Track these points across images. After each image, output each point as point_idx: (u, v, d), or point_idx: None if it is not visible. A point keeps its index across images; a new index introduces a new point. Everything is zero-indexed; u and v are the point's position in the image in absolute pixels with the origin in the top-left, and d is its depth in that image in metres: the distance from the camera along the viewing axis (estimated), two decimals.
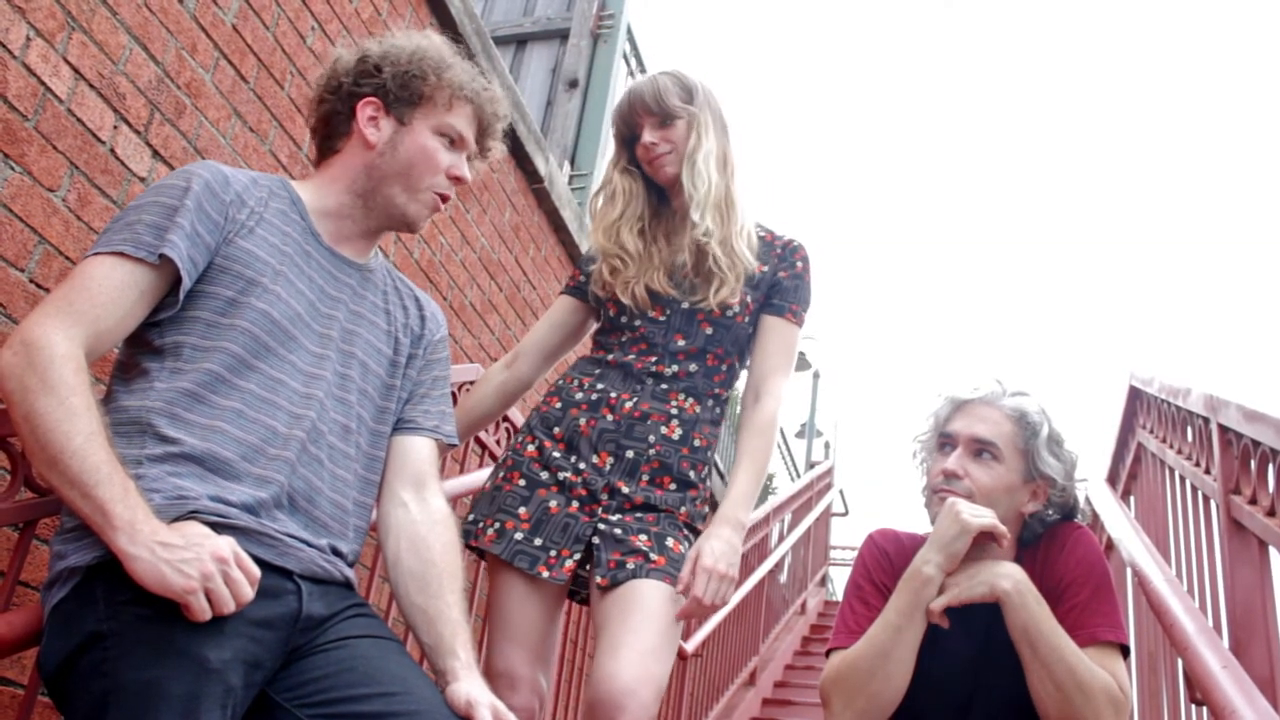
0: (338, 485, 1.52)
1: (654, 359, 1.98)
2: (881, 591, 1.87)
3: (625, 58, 5.56)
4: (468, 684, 1.42)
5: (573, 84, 5.24)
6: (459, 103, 1.64)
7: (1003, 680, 1.76)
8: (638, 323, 2.01)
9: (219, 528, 1.30)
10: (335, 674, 1.35)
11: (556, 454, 1.94)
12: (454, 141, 1.65)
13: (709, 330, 1.99)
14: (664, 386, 1.97)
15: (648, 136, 2.03)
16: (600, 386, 1.98)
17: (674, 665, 4.75)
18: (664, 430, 1.94)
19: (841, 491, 11.02)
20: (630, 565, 1.82)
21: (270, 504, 1.41)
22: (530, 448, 1.96)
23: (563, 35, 5.43)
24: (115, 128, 2.17)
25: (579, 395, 1.99)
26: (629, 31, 5.56)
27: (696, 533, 1.96)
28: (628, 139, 2.09)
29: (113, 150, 2.17)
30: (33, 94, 1.97)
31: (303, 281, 1.55)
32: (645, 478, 1.92)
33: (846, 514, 11.63)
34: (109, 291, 1.38)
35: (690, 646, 4.74)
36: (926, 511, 1.95)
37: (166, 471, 1.34)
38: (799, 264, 2.07)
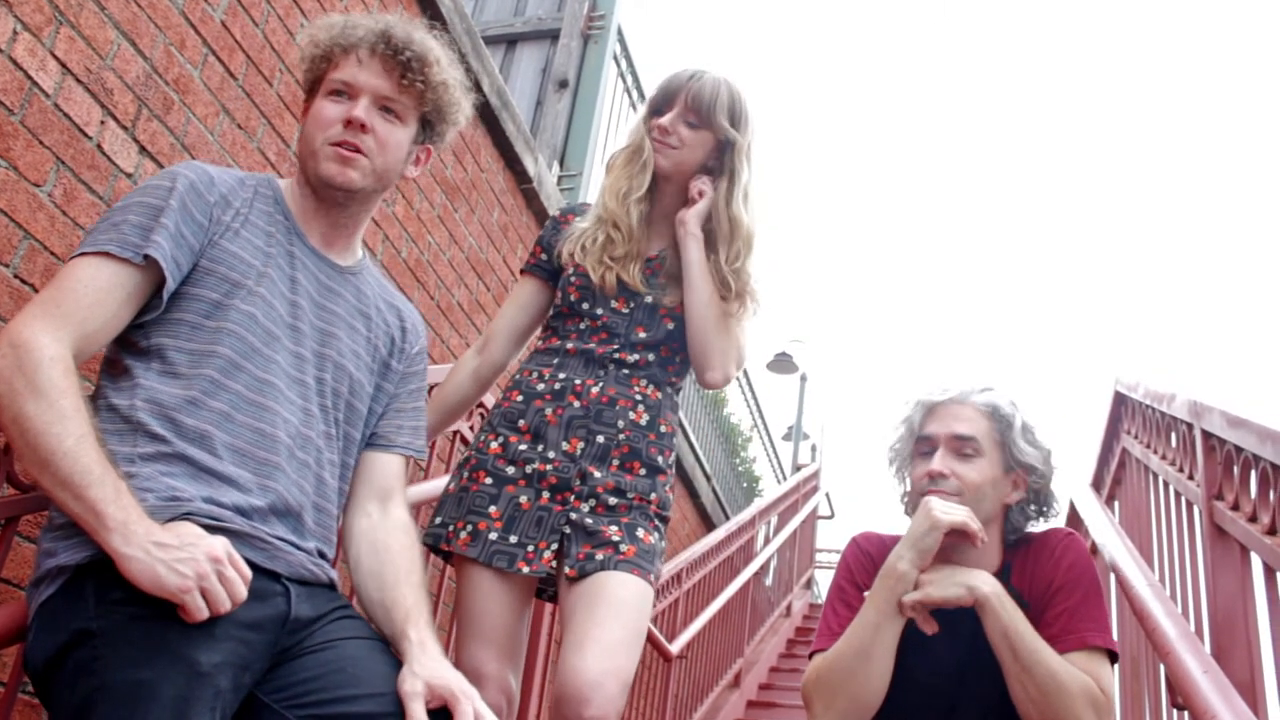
0: (323, 490, 1.52)
1: (615, 347, 1.98)
2: (863, 594, 1.88)
3: (616, 59, 5.56)
4: (406, 670, 1.40)
5: (563, 84, 5.24)
6: (336, 55, 1.60)
7: (988, 685, 1.77)
8: (599, 311, 2.00)
9: (211, 530, 1.30)
10: (323, 675, 1.35)
11: (523, 446, 1.93)
12: (346, 94, 1.60)
13: (670, 325, 2.00)
14: (626, 372, 1.98)
15: (668, 120, 2.00)
16: (562, 375, 1.97)
17: (658, 667, 4.77)
18: (632, 415, 1.95)
19: (828, 494, 11.05)
20: (599, 557, 1.82)
21: (264, 510, 1.41)
22: (494, 444, 1.94)
23: (553, 36, 5.43)
24: (102, 123, 2.16)
25: (540, 386, 1.97)
26: (619, 32, 5.56)
27: (665, 520, 1.97)
28: (656, 108, 2.05)
29: (99, 146, 2.16)
30: (19, 88, 1.96)
31: (285, 283, 1.54)
32: (615, 462, 1.92)
33: (832, 517, 11.65)
34: (95, 293, 1.38)
35: (675, 648, 4.74)
36: (909, 518, 1.96)
37: (160, 471, 1.34)
38: None
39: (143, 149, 2.28)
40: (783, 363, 13.09)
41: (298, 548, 1.44)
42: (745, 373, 10.28)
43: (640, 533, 1.88)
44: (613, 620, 1.76)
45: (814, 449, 12.71)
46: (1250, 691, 1.82)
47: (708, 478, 8.09)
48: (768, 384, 13.34)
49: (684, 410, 7.50)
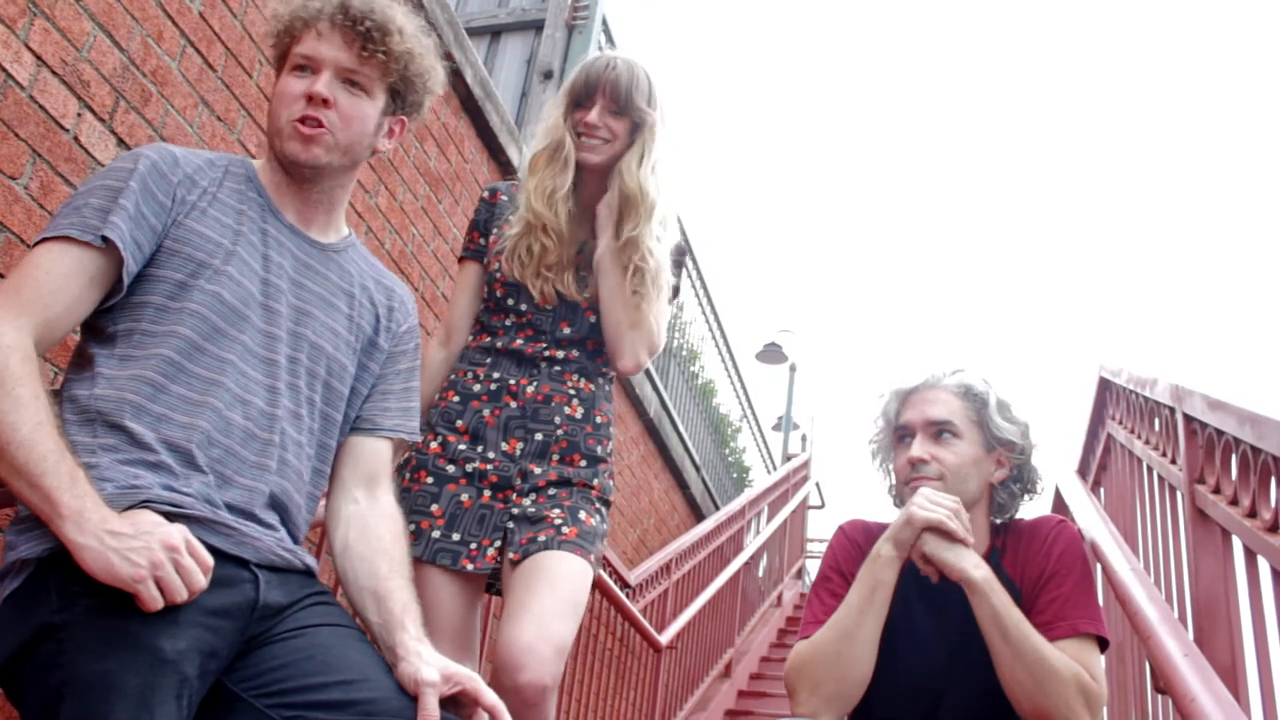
0: (285, 472, 1.49)
1: (543, 345, 2.01)
2: (850, 581, 1.88)
3: (600, 49, 5.54)
4: (416, 660, 1.39)
5: (548, 75, 5.22)
6: (298, 29, 1.58)
7: (976, 673, 1.77)
8: (524, 307, 2.02)
9: (172, 517, 1.29)
10: (293, 663, 1.34)
11: (462, 446, 1.95)
12: (309, 69, 1.57)
13: (593, 319, 2.03)
14: (557, 369, 2.01)
15: (594, 117, 2.01)
16: (496, 375, 2.00)
17: (649, 658, 4.77)
18: (567, 410, 1.99)
19: (818, 484, 11.06)
20: (542, 538, 1.85)
21: (221, 493, 1.39)
22: (433, 444, 1.96)
23: (538, 26, 5.41)
24: (79, 115, 2.15)
25: (476, 387, 2.00)
26: (604, 22, 5.54)
27: (608, 504, 2.01)
28: (577, 102, 2.05)
29: (76, 138, 2.14)
30: None
31: (257, 260, 1.52)
32: (555, 457, 1.96)
33: (823, 506, 11.65)
34: (57, 278, 1.37)
35: (665, 639, 4.75)
36: (899, 509, 1.97)
37: (119, 460, 1.33)
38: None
39: (121, 141, 2.26)
40: (772, 353, 13.08)
41: (267, 533, 1.42)
42: (734, 363, 10.27)
43: (582, 515, 1.91)
44: (546, 590, 1.79)
45: (804, 439, 12.73)
46: (1231, 675, 1.82)
47: (697, 468, 8.09)
48: (757, 374, 13.33)
49: (673, 401, 7.50)
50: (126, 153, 1.53)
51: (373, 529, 1.57)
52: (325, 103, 1.55)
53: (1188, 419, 2.18)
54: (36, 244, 1.41)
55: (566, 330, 2.02)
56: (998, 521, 1.94)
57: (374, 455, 1.65)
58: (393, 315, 1.71)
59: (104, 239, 1.39)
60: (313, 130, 1.54)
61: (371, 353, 1.67)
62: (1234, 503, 1.88)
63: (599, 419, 2.03)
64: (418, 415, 1.74)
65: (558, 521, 1.88)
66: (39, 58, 2.04)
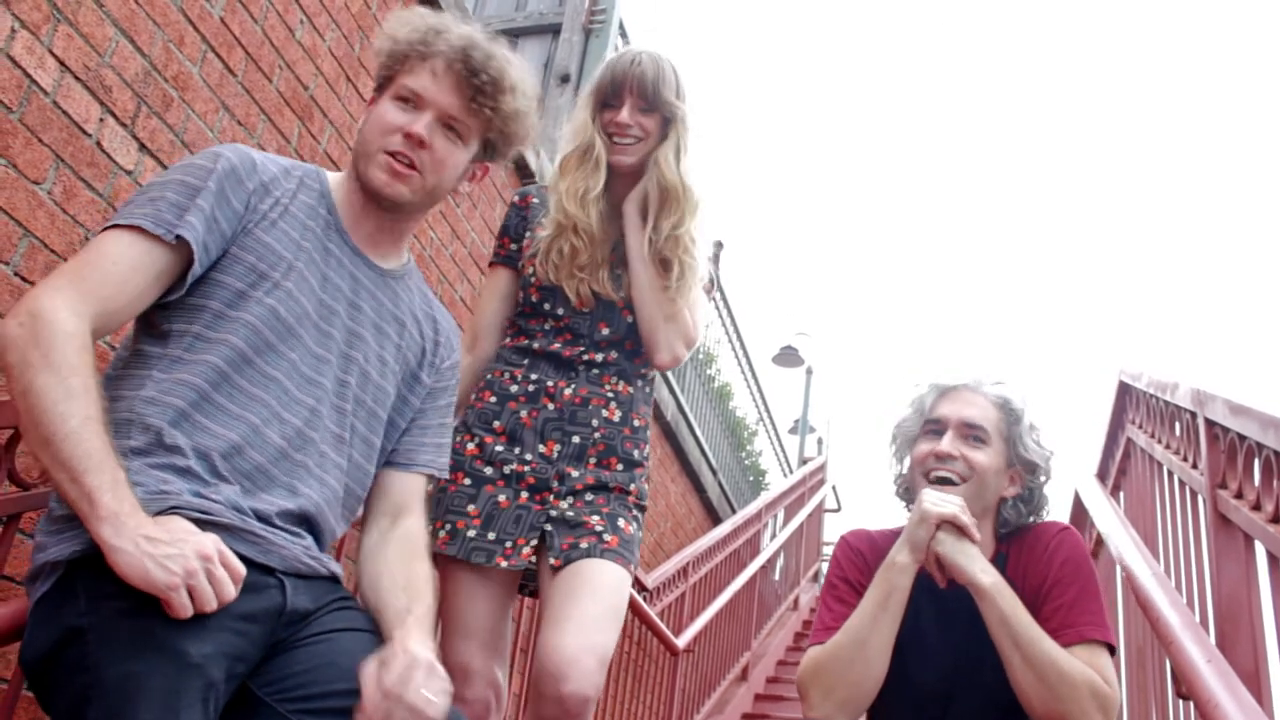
0: (325, 493, 1.49)
1: (581, 348, 2.00)
2: (857, 590, 1.89)
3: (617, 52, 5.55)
4: (400, 644, 1.36)
5: (564, 79, 5.23)
6: (414, 61, 1.55)
7: (985, 677, 1.77)
8: (561, 311, 2.00)
9: (202, 524, 1.29)
10: (316, 668, 1.34)
11: (499, 448, 1.95)
12: (413, 103, 1.54)
13: (630, 319, 2.01)
14: (596, 371, 2.00)
15: (625, 116, 1.99)
16: (534, 376, 1.99)
17: (665, 661, 4.76)
18: (605, 413, 1.98)
19: (834, 487, 11.04)
20: (584, 545, 1.85)
21: (249, 501, 1.39)
22: (470, 445, 1.95)
23: (555, 30, 5.42)
24: (101, 120, 2.16)
25: (514, 388, 1.98)
26: (621, 26, 5.54)
27: (643, 509, 2.00)
28: (604, 102, 2.04)
29: (99, 143, 2.16)
30: (17, 86, 1.96)
31: (316, 279, 1.51)
32: (592, 460, 1.95)
33: (839, 510, 11.64)
34: (124, 270, 1.35)
35: (682, 642, 4.75)
36: (904, 497, 1.99)
37: (148, 464, 1.32)
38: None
39: (142, 146, 2.28)
40: (788, 356, 13.07)
41: (293, 542, 1.42)
42: (751, 366, 10.27)
43: (621, 523, 1.91)
44: (589, 599, 1.79)
45: (820, 442, 12.71)
46: (1255, 681, 1.81)
47: (714, 472, 8.09)
48: (773, 377, 13.33)
49: (690, 404, 7.50)
50: (206, 150, 1.50)
51: (380, 553, 1.56)
52: (422, 144, 1.53)
53: (1209, 424, 2.17)
54: (106, 229, 1.39)
55: (605, 331, 2.00)
56: (1003, 532, 1.94)
57: (404, 489, 1.64)
58: (438, 350, 1.69)
59: (177, 238, 1.37)
60: (403, 169, 1.53)
61: (413, 385, 1.65)
62: (1257, 508, 1.86)
63: (637, 422, 2.01)
64: (448, 452, 1.74)
65: (599, 528, 1.87)
66: (62, 63, 2.06)
